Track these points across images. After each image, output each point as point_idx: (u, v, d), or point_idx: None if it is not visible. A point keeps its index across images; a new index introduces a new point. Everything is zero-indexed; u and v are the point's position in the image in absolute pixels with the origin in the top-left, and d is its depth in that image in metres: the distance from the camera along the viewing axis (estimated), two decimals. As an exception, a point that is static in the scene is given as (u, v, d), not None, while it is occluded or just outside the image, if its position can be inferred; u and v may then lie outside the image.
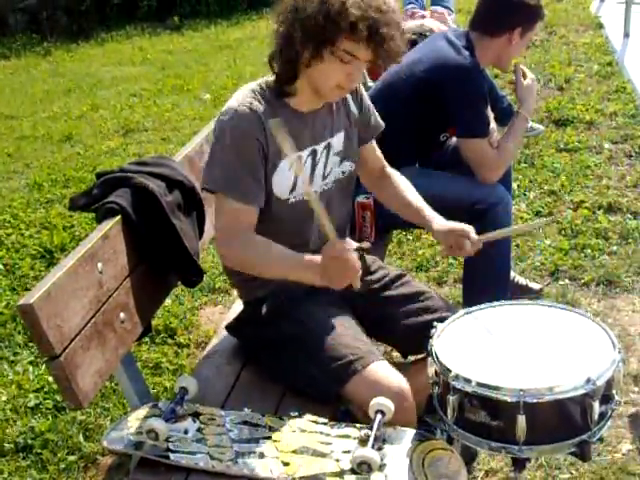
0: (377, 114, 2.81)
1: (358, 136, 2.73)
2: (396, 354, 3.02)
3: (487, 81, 3.66)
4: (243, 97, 2.44)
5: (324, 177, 2.59)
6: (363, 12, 2.24)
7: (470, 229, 2.65)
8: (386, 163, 2.87)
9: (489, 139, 3.41)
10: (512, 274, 3.94)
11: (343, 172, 2.66)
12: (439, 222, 2.68)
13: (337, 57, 2.31)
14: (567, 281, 4.22)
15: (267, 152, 2.42)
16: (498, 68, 3.75)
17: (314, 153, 2.54)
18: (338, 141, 2.61)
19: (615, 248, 4.46)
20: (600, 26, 8.91)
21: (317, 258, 2.31)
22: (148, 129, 7.54)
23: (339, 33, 2.26)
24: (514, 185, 4.81)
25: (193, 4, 13.26)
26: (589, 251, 4.45)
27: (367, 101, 2.75)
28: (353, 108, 2.67)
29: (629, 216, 4.81)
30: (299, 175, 2.39)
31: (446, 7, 5.92)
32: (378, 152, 2.85)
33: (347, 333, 2.46)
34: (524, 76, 3.53)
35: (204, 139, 3.16)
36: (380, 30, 2.26)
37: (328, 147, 2.58)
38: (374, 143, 2.83)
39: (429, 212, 2.72)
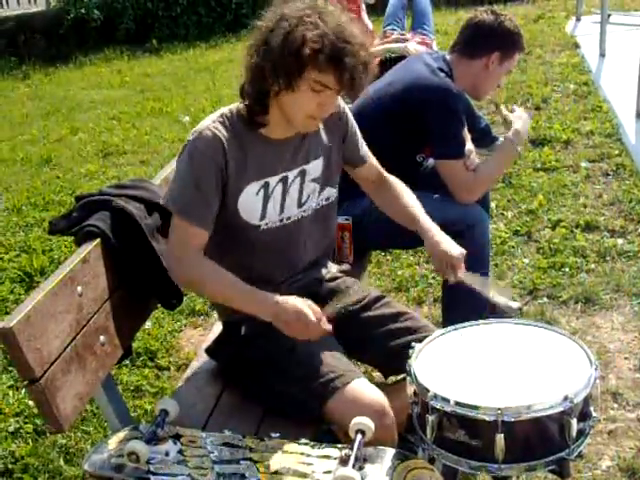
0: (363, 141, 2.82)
1: (351, 160, 2.75)
2: (377, 374, 3.03)
3: (464, 101, 3.68)
4: (211, 121, 2.46)
5: (300, 204, 2.59)
6: (324, 42, 2.26)
7: (458, 261, 2.66)
8: (383, 170, 2.88)
9: (465, 160, 3.42)
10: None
11: (327, 199, 2.67)
12: (434, 239, 2.69)
13: (308, 87, 2.33)
14: (546, 299, 4.24)
15: (227, 178, 2.43)
16: (472, 96, 3.74)
17: (284, 180, 2.54)
18: (315, 167, 2.61)
19: (593, 266, 4.49)
20: (576, 46, 9.00)
21: (272, 297, 2.33)
22: (127, 152, 7.54)
23: (304, 64, 2.28)
24: (492, 204, 4.84)
25: (171, 27, 13.28)
26: (567, 269, 4.48)
27: (354, 126, 2.75)
28: (337, 134, 2.68)
29: (606, 234, 4.84)
30: None
31: (427, 31, 5.98)
32: (375, 163, 2.86)
33: (326, 352, 2.47)
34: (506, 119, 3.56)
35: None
36: (343, 59, 2.27)
37: (302, 174, 2.58)
38: (371, 160, 2.83)
39: (425, 222, 2.74)
